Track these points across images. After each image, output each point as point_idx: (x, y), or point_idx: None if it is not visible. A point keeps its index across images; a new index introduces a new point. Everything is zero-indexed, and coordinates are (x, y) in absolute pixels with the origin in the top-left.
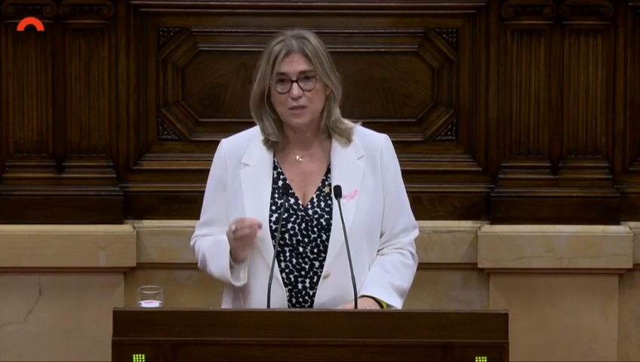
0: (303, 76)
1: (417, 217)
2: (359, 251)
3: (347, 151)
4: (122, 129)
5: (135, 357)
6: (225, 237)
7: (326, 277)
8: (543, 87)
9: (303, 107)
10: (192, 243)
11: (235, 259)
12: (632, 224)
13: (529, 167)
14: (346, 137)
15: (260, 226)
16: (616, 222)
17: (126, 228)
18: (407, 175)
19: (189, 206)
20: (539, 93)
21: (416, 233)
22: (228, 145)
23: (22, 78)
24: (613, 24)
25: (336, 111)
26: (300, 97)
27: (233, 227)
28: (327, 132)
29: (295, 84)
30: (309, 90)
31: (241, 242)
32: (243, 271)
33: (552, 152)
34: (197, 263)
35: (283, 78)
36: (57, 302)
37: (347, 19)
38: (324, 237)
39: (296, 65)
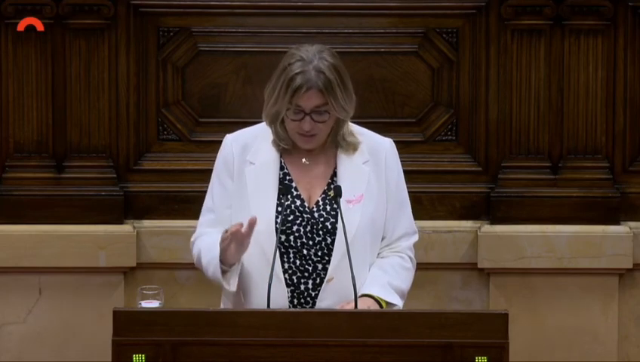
0: (317, 110)
1: (417, 217)
2: (363, 255)
3: (353, 155)
4: (122, 129)
5: (135, 357)
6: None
7: (329, 281)
8: (543, 87)
9: (312, 135)
10: (192, 239)
11: (224, 262)
12: (632, 224)
13: (529, 167)
14: (352, 149)
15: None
16: (616, 222)
17: (126, 228)
18: (407, 175)
19: (189, 206)
20: (539, 93)
21: (415, 238)
22: (234, 140)
23: (22, 78)
24: (613, 24)
25: (345, 127)
26: (312, 128)
27: (227, 231)
28: (334, 142)
29: (308, 117)
30: (320, 122)
31: (230, 243)
32: (233, 279)
33: (552, 152)
34: (193, 256)
35: (298, 110)
36: (57, 302)
37: (347, 19)
38: (329, 240)
39: (312, 101)
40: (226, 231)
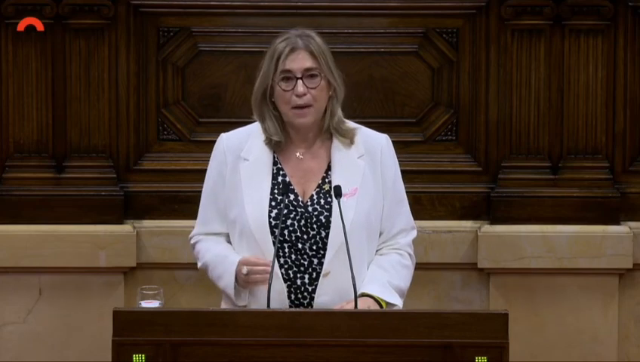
0: (308, 74)
1: (417, 217)
2: (359, 249)
3: (348, 149)
4: (122, 129)
5: (135, 357)
6: (232, 258)
7: (326, 275)
8: (543, 87)
9: (307, 106)
10: (192, 242)
11: (243, 287)
12: (632, 224)
13: (529, 167)
14: (349, 138)
15: (270, 268)
16: (616, 222)
17: (126, 228)
18: (407, 175)
19: (189, 206)
20: (539, 93)
21: (414, 234)
22: (228, 140)
23: (22, 78)
24: (614, 24)
25: (339, 112)
26: (305, 95)
27: (244, 270)
28: (329, 132)
29: (300, 81)
30: (313, 88)
31: (251, 285)
32: (244, 293)
33: (552, 152)
34: (197, 263)
35: (288, 76)
36: (57, 302)
37: (347, 19)
38: (324, 234)
39: (301, 62)
40: (245, 269)
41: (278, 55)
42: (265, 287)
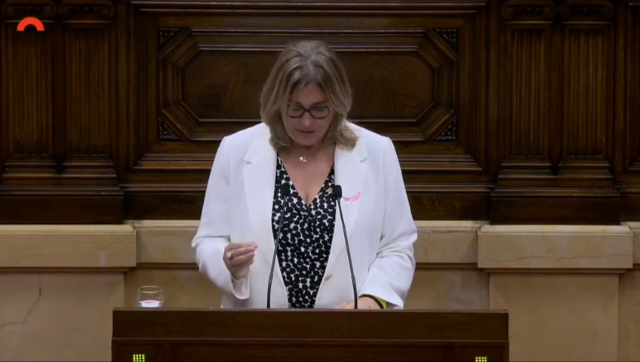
0: (316, 106)
1: (417, 217)
2: (360, 253)
3: (351, 153)
4: (122, 129)
5: (135, 357)
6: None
7: (328, 278)
8: (543, 87)
9: (312, 131)
10: (193, 245)
11: (233, 275)
12: (632, 224)
13: (529, 167)
14: (350, 145)
15: (255, 247)
16: (616, 222)
17: (126, 228)
18: (407, 175)
19: (189, 206)
20: (539, 93)
21: (415, 237)
22: (231, 142)
23: (22, 78)
24: (614, 24)
25: (343, 121)
26: (311, 125)
27: (229, 254)
28: (332, 138)
29: (307, 114)
30: (320, 118)
31: (237, 267)
32: (245, 286)
33: (552, 152)
34: (197, 263)
35: (297, 107)
36: (57, 302)
37: (347, 19)
38: (327, 237)
39: (312, 97)
40: (229, 253)
41: (292, 86)
42: (265, 288)
